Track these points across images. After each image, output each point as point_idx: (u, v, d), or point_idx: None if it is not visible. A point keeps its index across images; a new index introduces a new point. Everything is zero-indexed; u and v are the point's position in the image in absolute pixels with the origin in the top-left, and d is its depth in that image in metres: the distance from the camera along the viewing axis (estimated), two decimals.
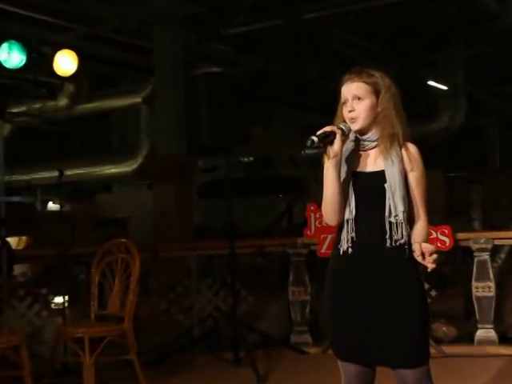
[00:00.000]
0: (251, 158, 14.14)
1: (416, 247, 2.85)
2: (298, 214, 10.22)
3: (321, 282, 6.60)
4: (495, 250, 6.58)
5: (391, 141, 2.93)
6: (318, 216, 6.32)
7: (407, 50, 12.42)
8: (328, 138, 2.86)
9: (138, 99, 12.33)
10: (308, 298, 6.61)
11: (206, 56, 11.07)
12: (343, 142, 2.90)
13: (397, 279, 2.87)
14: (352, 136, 2.97)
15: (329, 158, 2.88)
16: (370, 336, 2.86)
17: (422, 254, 2.82)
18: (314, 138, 2.82)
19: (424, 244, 2.85)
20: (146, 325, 6.54)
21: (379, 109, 2.95)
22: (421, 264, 2.86)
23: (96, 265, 5.52)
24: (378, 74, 2.97)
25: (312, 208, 6.41)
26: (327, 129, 2.87)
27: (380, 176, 2.91)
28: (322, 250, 6.31)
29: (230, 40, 10.70)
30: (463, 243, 6.25)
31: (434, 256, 2.82)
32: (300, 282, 6.63)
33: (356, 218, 2.91)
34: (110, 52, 11.13)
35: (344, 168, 2.94)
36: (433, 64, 13.13)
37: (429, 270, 2.83)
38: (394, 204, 2.88)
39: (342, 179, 2.92)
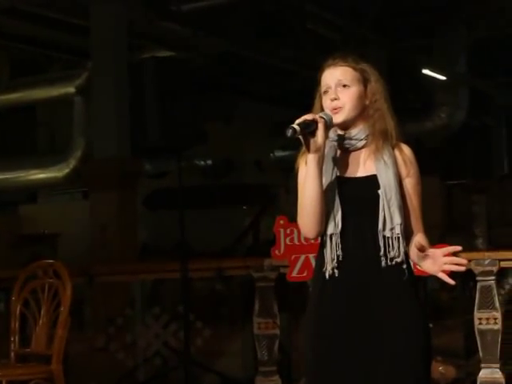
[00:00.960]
0: (209, 162, 14.13)
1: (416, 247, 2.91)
2: (266, 230, 10.22)
3: (293, 312, 6.64)
4: (502, 274, 6.64)
5: (384, 139, 2.97)
6: (288, 232, 6.28)
7: (398, 32, 12.52)
8: (309, 129, 2.86)
9: (71, 89, 12.24)
10: (277, 331, 6.58)
11: (155, 37, 11.05)
12: (326, 135, 2.91)
13: (394, 308, 2.89)
14: (334, 135, 2.98)
15: (310, 153, 2.88)
16: (361, 379, 2.87)
17: (421, 249, 2.88)
18: (296, 127, 2.82)
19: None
20: (79, 365, 6.49)
21: (367, 101, 2.99)
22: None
23: (17, 292, 5.45)
24: (364, 64, 3.02)
25: (281, 222, 6.36)
26: (308, 117, 2.88)
27: (372, 181, 2.94)
28: (293, 274, 6.28)
29: (184, 18, 10.69)
30: None
31: (456, 259, 2.88)
32: (267, 312, 6.61)
33: (342, 233, 2.92)
34: (35, 31, 11.04)
35: (326, 172, 2.94)
36: (428, 49, 13.25)
37: (453, 283, 2.89)
38: (390, 215, 2.90)
39: (324, 186, 2.92)
